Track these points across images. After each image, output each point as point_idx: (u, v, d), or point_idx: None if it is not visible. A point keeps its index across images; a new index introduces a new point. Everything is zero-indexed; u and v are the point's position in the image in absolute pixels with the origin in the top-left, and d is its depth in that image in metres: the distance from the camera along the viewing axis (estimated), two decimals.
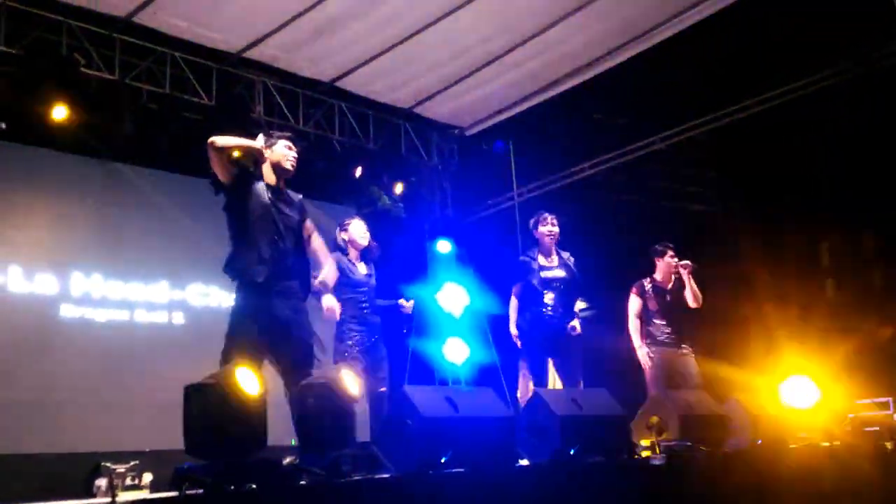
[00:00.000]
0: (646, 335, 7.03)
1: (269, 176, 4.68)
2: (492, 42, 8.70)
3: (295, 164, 4.71)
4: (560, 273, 6.55)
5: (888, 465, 6.24)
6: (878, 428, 7.11)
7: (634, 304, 7.10)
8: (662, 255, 7.14)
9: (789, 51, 9.67)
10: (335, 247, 6.08)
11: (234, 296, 4.52)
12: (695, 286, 6.96)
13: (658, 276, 7.14)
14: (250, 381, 3.79)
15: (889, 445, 6.67)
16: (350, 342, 5.91)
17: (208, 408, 3.65)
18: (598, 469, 4.73)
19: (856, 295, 10.87)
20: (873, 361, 9.02)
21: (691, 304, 6.93)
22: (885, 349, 9.11)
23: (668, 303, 7.05)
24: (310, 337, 4.61)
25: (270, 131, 4.96)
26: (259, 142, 4.63)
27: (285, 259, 4.49)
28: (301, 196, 4.80)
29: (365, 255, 6.24)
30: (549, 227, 6.61)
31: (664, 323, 7.03)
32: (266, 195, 4.54)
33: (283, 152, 4.69)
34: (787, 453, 5.81)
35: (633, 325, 7.06)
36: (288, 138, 4.78)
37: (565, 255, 6.69)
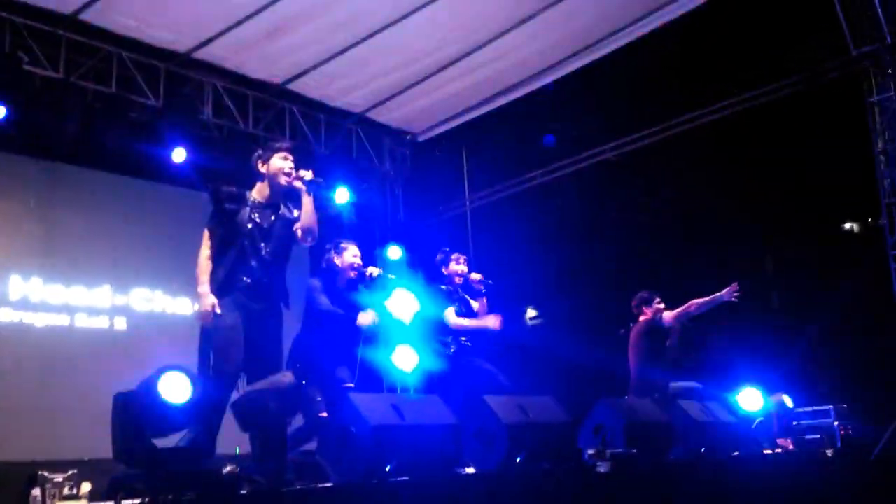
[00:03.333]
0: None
1: (263, 190, 4.65)
2: (445, 48, 8.70)
3: (277, 181, 4.63)
4: None
5: (829, 473, 6.35)
6: (819, 436, 7.24)
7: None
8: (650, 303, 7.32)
9: (738, 63, 9.84)
10: (318, 273, 5.78)
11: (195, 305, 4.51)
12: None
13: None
14: (178, 388, 3.69)
15: (829, 453, 6.80)
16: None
17: (133, 415, 3.57)
18: (544, 476, 4.73)
19: (799, 305, 11.07)
20: (816, 370, 9.19)
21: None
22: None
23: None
24: (279, 340, 4.62)
25: (270, 144, 4.85)
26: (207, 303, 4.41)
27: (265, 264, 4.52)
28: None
29: (352, 285, 5.85)
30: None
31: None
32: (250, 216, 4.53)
33: (279, 165, 4.63)
34: (731, 461, 5.88)
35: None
36: (284, 149, 4.70)
37: None
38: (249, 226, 4.52)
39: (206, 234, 4.55)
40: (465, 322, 6.33)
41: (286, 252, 4.67)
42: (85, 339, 8.35)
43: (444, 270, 6.54)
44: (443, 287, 6.47)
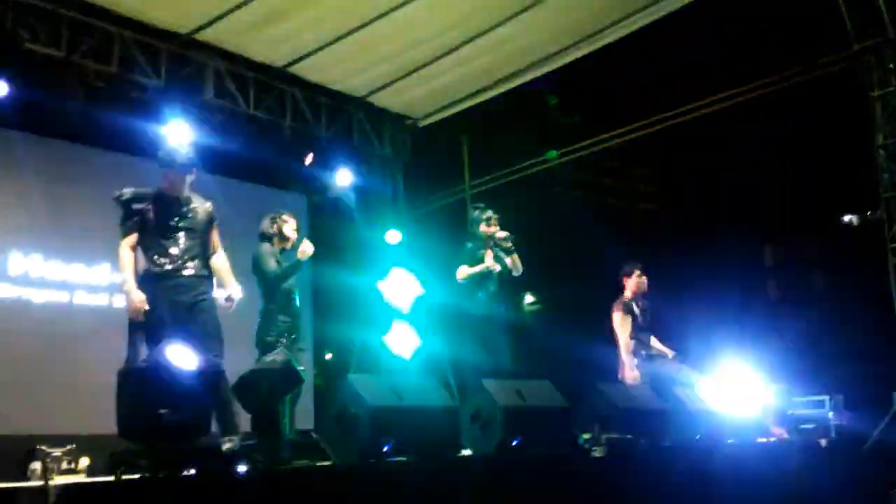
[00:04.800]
0: (633, 351, 6.89)
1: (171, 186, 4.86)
2: (447, 34, 8.68)
3: (175, 189, 4.84)
4: None
5: (822, 463, 6.40)
6: (814, 426, 7.29)
7: (626, 321, 6.93)
8: (630, 274, 7.13)
9: (741, 54, 9.85)
10: (263, 236, 6.01)
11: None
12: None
13: (629, 294, 7.09)
14: (185, 357, 3.74)
15: (823, 443, 6.84)
16: (276, 333, 5.80)
17: (140, 391, 3.60)
18: (539, 460, 4.76)
19: (797, 296, 11.12)
20: (812, 361, 9.24)
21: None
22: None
23: (644, 319, 7.02)
24: (216, 322, 4.74)
25: (168, 151, 4.96)
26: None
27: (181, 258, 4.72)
28: (209, 204, 4.97)
29: (291, 253, 6.12)
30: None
31: (645, 339, 6.98)
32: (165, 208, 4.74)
33: (172, 178, 4.85)
34: (726, 448, 5.92)
35: (626, 342, 6.86)
36: (184, 167, 4.82)
37: None
38: (162, 219, 4.65)
39: (122, 235, 4.76)
40: (469, 270, 6.32)
41: (203, 240, 4.83)
42: (84, 315, 8.36)
43: (476, 230, 6.51)
44: (468, 244, 6.45)
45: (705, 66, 10.12)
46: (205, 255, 4.82)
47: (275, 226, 6.02)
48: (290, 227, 6.06)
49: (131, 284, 4.56)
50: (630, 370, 6.78)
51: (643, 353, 6.89)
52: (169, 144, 5.11)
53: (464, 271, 6.32)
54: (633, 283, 7.09)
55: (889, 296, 8.24)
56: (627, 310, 6.97)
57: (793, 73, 9.10)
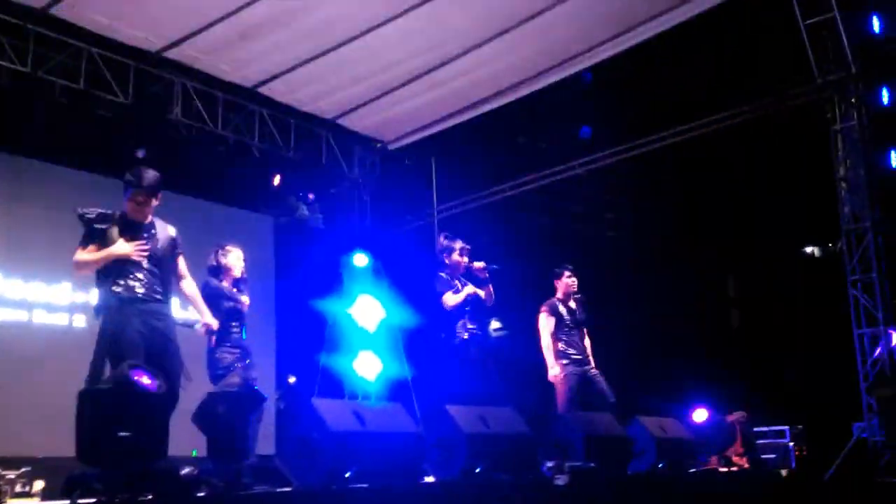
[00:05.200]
0: (557, 354, 6.83)
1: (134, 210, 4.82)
2: (419, 58, 8.72)
3: (140, 212, 4.79)
4: None
5: (782, 493, 6.44)
6: (774, 456, 7.35)
7: (549, 322, 6.92)
8: (560, 276, 7.14)
9: (705, 86, 10.01)
10: (209, 270, 6.02)
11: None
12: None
13: (560, 295, 7.11)
14: (148, 378, 3.69)
15: (784, 473, 6.90)
16: (224, 366, 5.76)
17: (102, 413, 3.53)
18: (502, 487, 4.75)
19: (759, 326, 11.24)
20: (773, 390, 9.34)
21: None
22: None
23: (574, 321, 7.00)
24: (177, 347, 4.71)
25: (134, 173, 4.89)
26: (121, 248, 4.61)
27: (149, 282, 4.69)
28: (173, 230, 4.92)
29: (238, 284, 6.12)
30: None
31: (574, 341, 6.92)
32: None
33: (130, 206, 4.80)
34: (688, 477, 5.95)
35: (548, 343, 6.84)
36: (142, 194, 4.77)
37: None
38: (126, 241, 4.65)
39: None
40: (456, 297, 6.28)
41: (165, 267, 4.80)
42: (43, 335, 8.20)
43: (446, 259, 6.48)
44: (443, 275, 6.40)
45: (670, 97, 10.27)
46: (165, 280, 4.78)
47: (215, 259, 6.05)
48: (233, 257, 6.09)
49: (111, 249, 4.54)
50: (551, 368, 6.74)
51: (572, 354, 6.82)
52: (135, 166, 5.05)
53: (451, 299, 6.29)
54: (563, 284, 7.06)
55: (848, 326, 8.36)
56: (553, 310, 6.93)
57: (757, 106, 9.26)
